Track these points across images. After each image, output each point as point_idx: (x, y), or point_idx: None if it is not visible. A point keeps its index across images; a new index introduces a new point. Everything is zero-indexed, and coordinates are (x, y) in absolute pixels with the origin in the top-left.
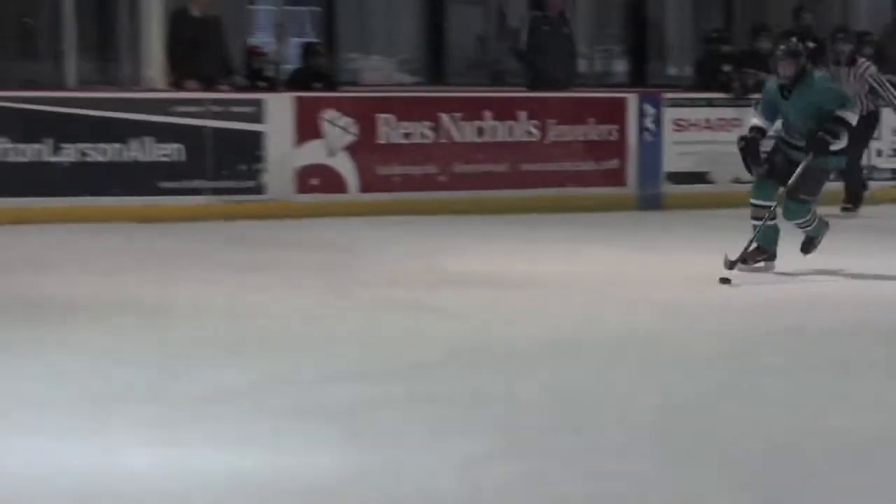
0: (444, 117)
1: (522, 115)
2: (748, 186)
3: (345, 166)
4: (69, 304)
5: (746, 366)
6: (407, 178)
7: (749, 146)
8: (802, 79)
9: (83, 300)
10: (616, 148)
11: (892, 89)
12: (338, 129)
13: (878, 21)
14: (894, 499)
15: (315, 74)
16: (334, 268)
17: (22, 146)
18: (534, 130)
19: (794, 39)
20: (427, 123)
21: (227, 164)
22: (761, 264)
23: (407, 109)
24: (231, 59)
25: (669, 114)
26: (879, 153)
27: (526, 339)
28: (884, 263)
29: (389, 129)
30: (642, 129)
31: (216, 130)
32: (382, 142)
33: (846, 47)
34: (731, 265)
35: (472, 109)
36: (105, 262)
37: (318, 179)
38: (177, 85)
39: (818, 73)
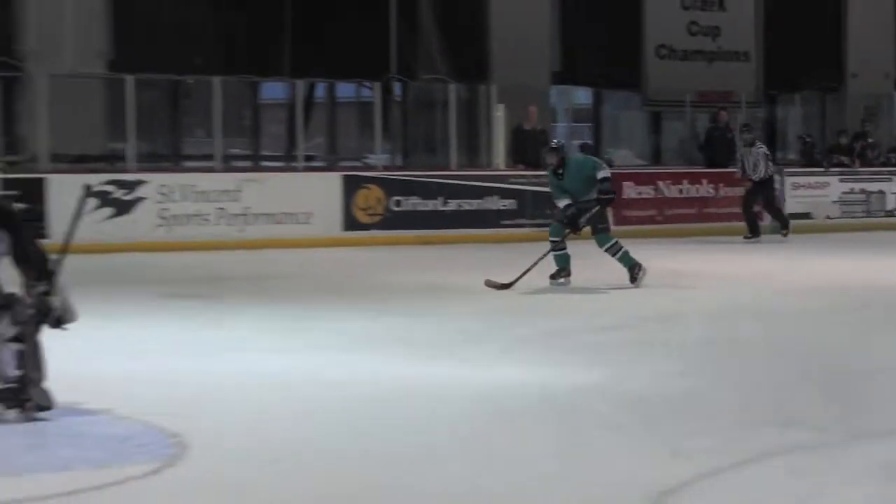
0: (660, 183)
1: (704, 181)
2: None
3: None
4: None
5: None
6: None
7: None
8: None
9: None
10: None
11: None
12: None
13: None
14: None
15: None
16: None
17: (438, 200)
18: (710, 190)
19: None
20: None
21: (539, 211)
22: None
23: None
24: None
25: (788, 180)
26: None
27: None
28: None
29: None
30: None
31: (533, 192)
32: (632, 197)
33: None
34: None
35: (677, 178)
36: (472, 260)
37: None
38: (513, 166)
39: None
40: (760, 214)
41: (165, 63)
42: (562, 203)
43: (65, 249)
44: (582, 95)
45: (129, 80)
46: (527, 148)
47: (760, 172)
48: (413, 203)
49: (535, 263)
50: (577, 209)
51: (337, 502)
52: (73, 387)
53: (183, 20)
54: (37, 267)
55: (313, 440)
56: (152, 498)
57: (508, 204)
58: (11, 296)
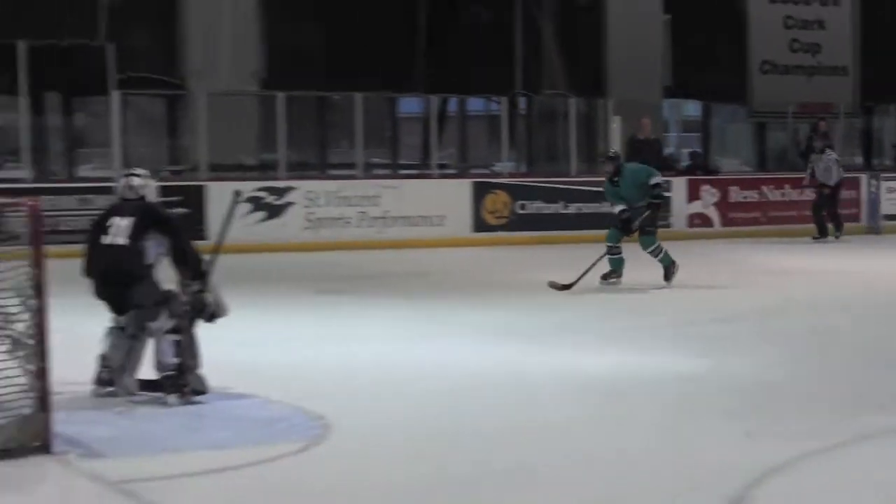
0: (764, 188)
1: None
2: None
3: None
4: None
5: None
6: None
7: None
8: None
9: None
10: (856, 202)
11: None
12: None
13: None
14: None
15: (698, 168)
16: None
17: (559, 204)
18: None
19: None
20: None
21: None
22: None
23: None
24: (659, 158)
25: (884, 184)
26: None
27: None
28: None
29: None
30: (869, 190)
31: None
32: (738, 200)
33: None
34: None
35: (779, 183)
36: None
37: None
38: None
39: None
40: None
41: (312, 81)
42: (617, 208)
43: (217, 250)
44: (692, 108)
45: (280, 96)
46: (641, 156)
47: (834, 178)
48: (536, 207)
49: (593, 265)
50: (630, 214)
51: (470, 475)
52: (227, 374)
53: (328, 43)
54: (192, 267)
55: (444, 419)
56: (301, 473)
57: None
58: (169, 292)
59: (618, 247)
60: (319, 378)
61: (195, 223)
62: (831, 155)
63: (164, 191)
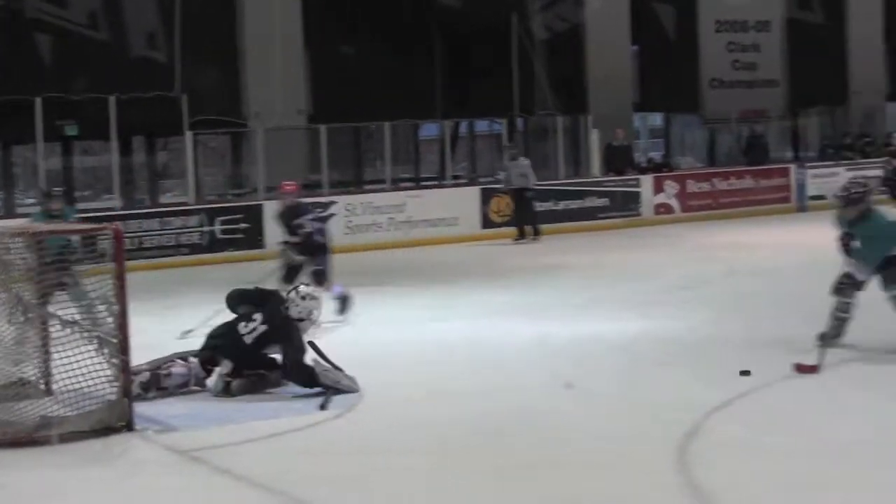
0: (714, 180)
1: (747, 176)
2: None
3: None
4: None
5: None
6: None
7: None
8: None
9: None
10: (787, 187)
11: None
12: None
13: None
14: None
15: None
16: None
17: (551, 202)
18: (751, 183)
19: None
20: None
21: (618, 207)
22: None
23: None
24: (630, 161)
25: (809, 172)
26: None
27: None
28: None
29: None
30: (797, 177)
31: (622, 192)
32: (695, 190)
33: None
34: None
35: (726, 175)
36: (574, 244)
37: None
38: (606, 173)
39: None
40: None
41: (350, 114)
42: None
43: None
44: (656, 119)
45: (323, 129)
46: (615, 160)
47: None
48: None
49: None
50: None
51: (477, 422)
52: None
53: (361, 83)
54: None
55: (462, 383)
56: (338, 434)
57: (602, 202)
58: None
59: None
60: (357, 353)
61: (256, 235)
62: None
63: (229, 211)
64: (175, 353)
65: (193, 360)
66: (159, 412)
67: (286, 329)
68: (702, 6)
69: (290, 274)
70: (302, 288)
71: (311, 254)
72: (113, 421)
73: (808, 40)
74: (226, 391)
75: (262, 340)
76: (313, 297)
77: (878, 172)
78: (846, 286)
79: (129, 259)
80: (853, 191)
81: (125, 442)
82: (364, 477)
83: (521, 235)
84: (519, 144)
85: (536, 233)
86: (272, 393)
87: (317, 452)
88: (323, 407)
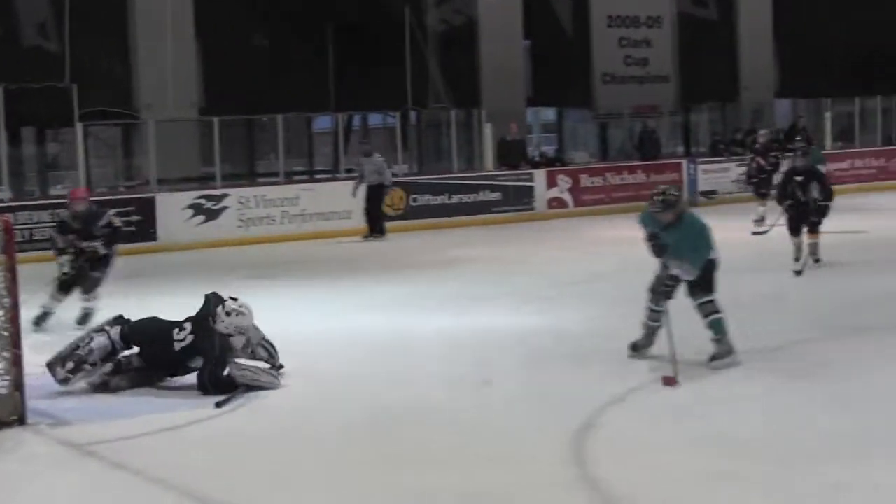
0: (607, 174)
1: (639, 171)
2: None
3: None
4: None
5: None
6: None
7: None
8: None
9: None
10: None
11: None
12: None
13: None
14: None
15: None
16: None
17: (445, 196)
18: (643, 177)
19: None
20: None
21: (511, 201)
22: None
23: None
24: (523, 155)
25: (700, 167)
26: None
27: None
28: None
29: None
30: (689, 172)
31: (514, 187)
32: (587, 185)
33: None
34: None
35: (619, 170)
36: (470, 238)
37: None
38: (499, 167)
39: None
40: None
41: (241, 107)
42: None
43: None
44: (549, 113)
45: (216, 121)
46: (509, 154)
47: None
48: (426, 199)
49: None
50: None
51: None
52: None
53: (253, 75)
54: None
55: (359, 375)
56: (238, 424)
57: (496, 196)
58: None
59: None
60: None
61: (148, 228)
62: None
63: (121, 203)
64: (90, 329)
65: (111, 328)
66: (52, 405)
67: (210, 342)
68: (594, 1)
69: (70, 283)
70: (229, 303)
71: (98, 260)
72: (5, 415)
73: (699, 36)
74: (104, 387)
75: (189, 350)
76: (239, 313)
77: (742, 170)
78: (670, 290)
79: (19, 251)
80: (670, 193)
81: (17, 436)
82: (261, 469)
83: (371, 232)
84: (372, 141)
85: (381, 231)
86: (166, 387)
87: (214, 445)
88: (219, 405)
